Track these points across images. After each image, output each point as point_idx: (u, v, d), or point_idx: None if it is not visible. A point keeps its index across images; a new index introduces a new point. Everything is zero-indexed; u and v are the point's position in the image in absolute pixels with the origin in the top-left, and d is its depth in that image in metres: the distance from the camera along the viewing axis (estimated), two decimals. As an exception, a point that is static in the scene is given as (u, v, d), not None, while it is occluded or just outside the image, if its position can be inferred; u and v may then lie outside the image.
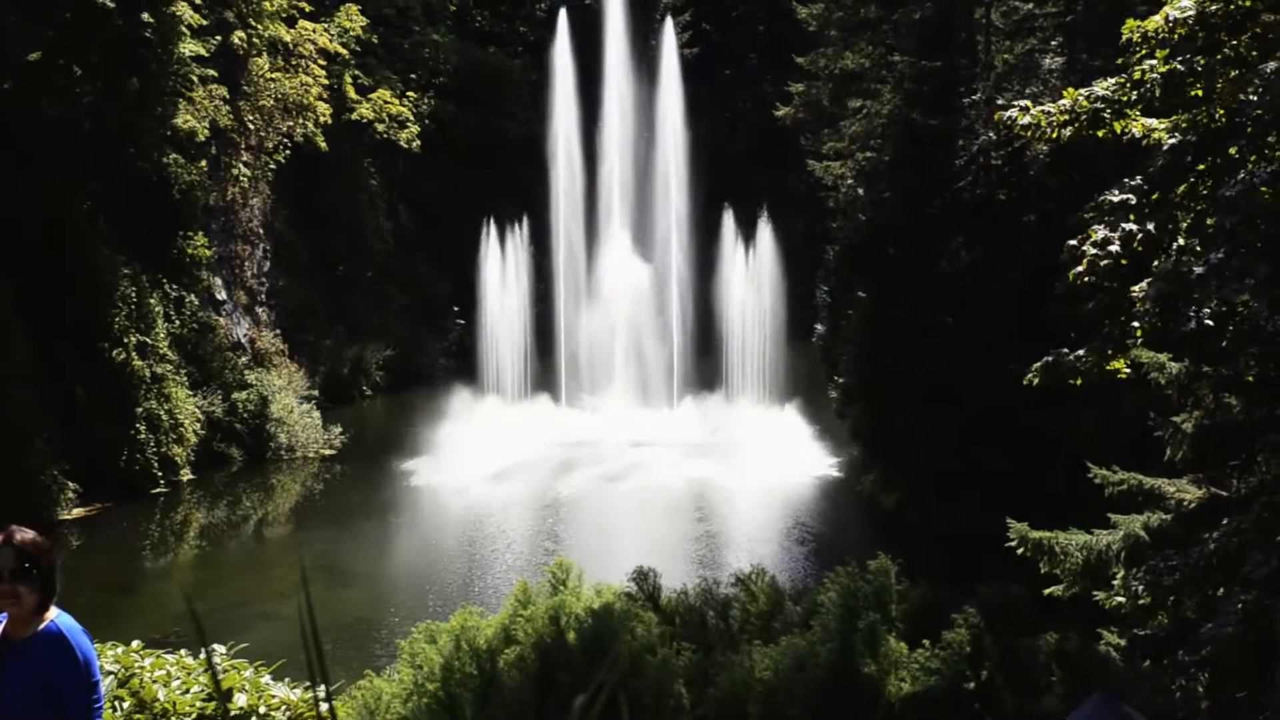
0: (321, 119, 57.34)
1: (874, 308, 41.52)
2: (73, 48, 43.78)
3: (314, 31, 58.48)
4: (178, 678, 7.89)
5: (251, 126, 55.26)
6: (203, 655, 8.45)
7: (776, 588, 13.14)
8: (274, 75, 55.70)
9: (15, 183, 43.18)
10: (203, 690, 7.79)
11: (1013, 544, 18.98)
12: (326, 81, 59.23)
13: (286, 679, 8.84)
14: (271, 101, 55.59)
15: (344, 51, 62.31)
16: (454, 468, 47.16)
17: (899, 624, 11.99)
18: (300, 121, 56.77)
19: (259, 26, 53.56)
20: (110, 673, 7.60)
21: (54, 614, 6.63)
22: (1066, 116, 12.97)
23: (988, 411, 35.84)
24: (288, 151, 57.48)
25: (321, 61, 58.64)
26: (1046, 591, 19.53)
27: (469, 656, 10.70)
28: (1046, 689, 10.72)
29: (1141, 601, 17.89)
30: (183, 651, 8.65)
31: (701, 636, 11.68)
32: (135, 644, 8.43)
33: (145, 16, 43.91)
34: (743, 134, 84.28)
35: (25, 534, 6.45)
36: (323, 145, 57.75)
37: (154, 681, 7.63)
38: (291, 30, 57.04)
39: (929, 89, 40.26)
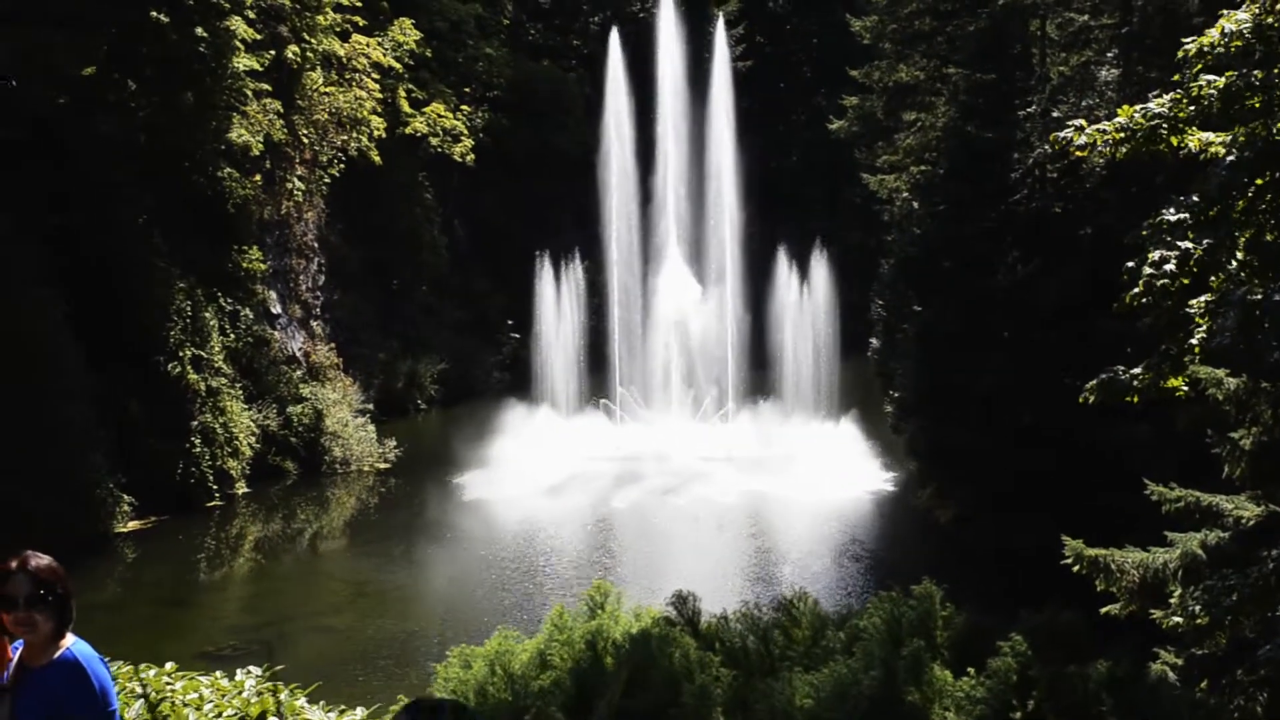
0: (375, 133, 57.48)
1: (930, 321, 41.21)
2: (127, 63, 44.05)
3: (367, 46, 58.70)
4: (211, 701, 7.79)
5: (305, 140, 55.47)
6: (239, 677, 8.36)
7: (819, 613, 12.92)
8: (328, 89, 55.92)
9: (70, 197, 43.49)
10: (236, 714, 7.71)
11: (1068, 561, 18.71)
12: (380, 95, 59.42)
13: (321, 702, 8.74)
14: (325, 115, 55.81)
15: (397, 66, 62.50)
16: (507, 482, 47.19)
17: (944, 651, 11.76)
18: (354, 135, 56.95)
19: (313, 41, 53.75)
20: (140, 696, 7.51)
21: (70, 641, 6.54)
22: (1122, 135, 12.73)
23: (1044, 426, 35.48)
24: (342, 165, 57.61)
25: (375, 75, 58.85)
26: (1103, 610, 19.25)
27: (504, 682, 10.59)
28: (1097, 719, 10.49)
29: (1199, 622, 17.60)
30: (218, 673, 8.55)
31: (742, 662, 11.51)
32: (169, 665, 8.35)
33: (199, 31, 44.13)
34: (797, 147, 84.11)
35: (40, 560, 6.37)
36: (376, 159, 57.89)
37: (185, 705, 7.54)
38: (345, 45, 57.28)
39: (984, 101, 39.97)
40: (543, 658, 11.03)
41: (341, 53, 56.77)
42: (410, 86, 66.60)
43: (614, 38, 61.97)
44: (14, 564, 6.35)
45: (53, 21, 41.64)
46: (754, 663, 11.45)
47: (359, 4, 57.72)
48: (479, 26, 76.14)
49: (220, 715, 7.69)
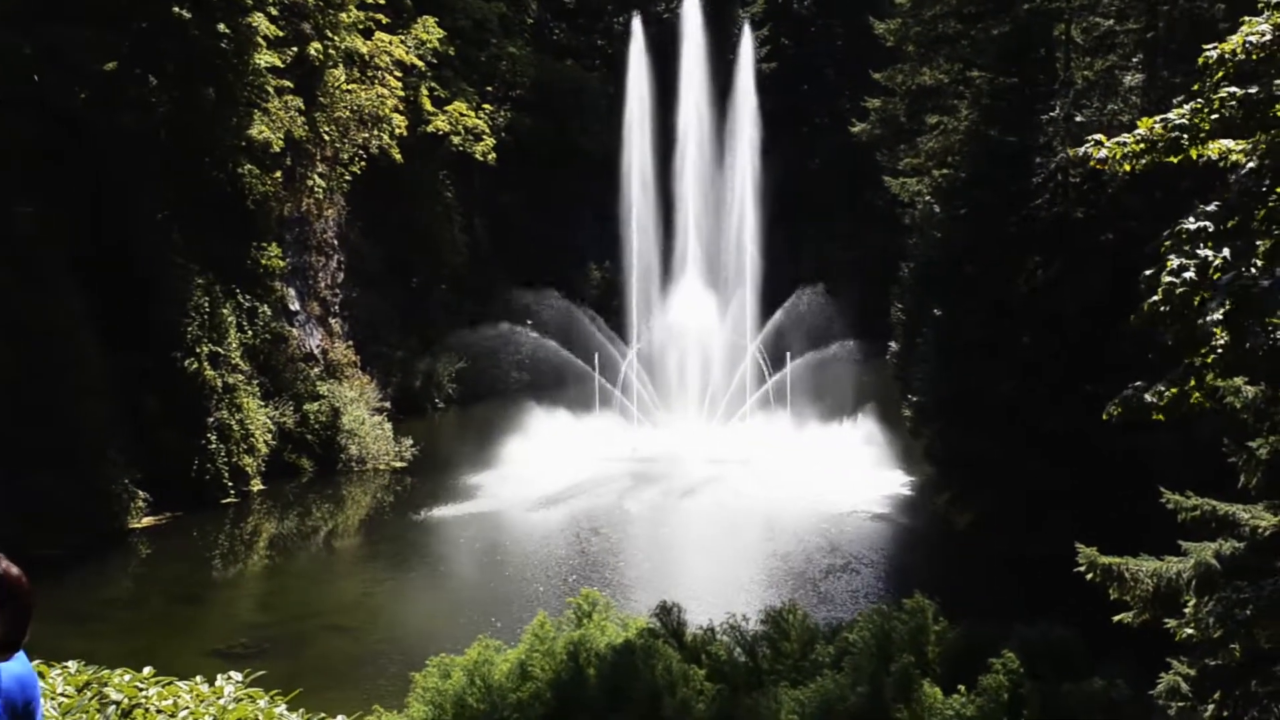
0: (397, 130, 57.33)
1: (949, 326, 40.91)
2: (149, 59, 43.98)
3: (390, 44, 58.54)
4: (187, 708, 7.61)
5: (327, 138, 55.27)
6: (219, 683, 8.18)
7: (808, 625, 12.69)
8: (350, 87, 55.76)
9: (91, 192, 43.48)
10: (212, 721, 7.53)
11: (1082, 569, 18.47)
12: (402, 93, 59.24)
13: (301, 710, 8.54)
14: (347, 113, 55.64)
15: (419, 64, 62.33)
16: (522, 482, 47.11)
17: (935, 667, 11.52)
18: (375, 133, 56.77)
19: (335, 38, 53.60)
20: (113, 703, 7.32)
21: (11, 660, 6.08)
22: (1142, 146, 12.52)
23: (1062, 433, 35.18)
24: (363, 163, 57.43)
25: (397, 73, 58.67)
26: (1115, 619, 19.00)
27: (482, 693, 10.36)
28: (1092, 740, 10.26)
29: (1213, 634, 17.36)
30: (198, 678, 8.36)
31: (727, 675, 11.26)
32: (147, 671, 8.16)
33: (221, 27, 44.08)
34: (819, 149, 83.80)
35: (9, 566, 6.01)
36: (398, 157, 57.69)
37: (159, 712, 7.36)
38: (368, 42, 57.10)
39: (1007, 105, 39.68)
40: (523, 668, 10.82)
41: (364, 50, 56.56)
42: (433, 85, 66.44)
43: (637, 28, 61.85)
44: None
45: (75, 17, 41.62)
46: (739, 676, 11.23)
47: (382, 1, 57.48)
48: (502, 25, 75.90)
49: (195, 723, 7.51)
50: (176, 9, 42.61)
